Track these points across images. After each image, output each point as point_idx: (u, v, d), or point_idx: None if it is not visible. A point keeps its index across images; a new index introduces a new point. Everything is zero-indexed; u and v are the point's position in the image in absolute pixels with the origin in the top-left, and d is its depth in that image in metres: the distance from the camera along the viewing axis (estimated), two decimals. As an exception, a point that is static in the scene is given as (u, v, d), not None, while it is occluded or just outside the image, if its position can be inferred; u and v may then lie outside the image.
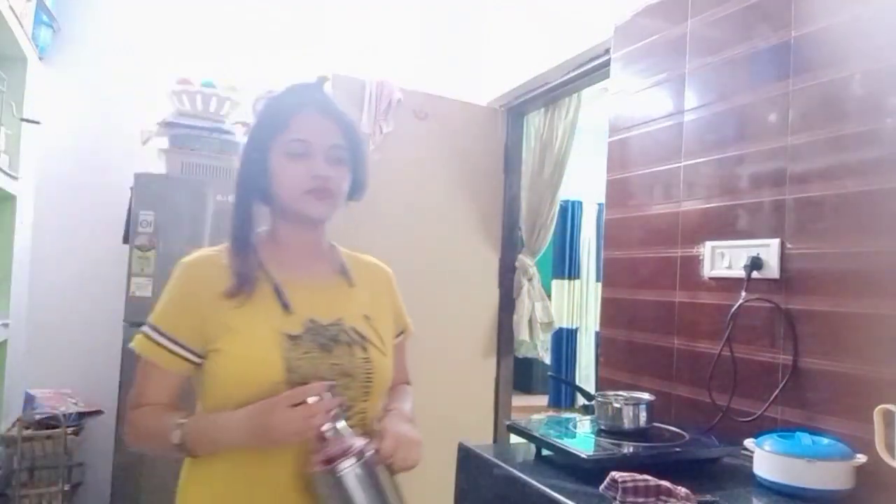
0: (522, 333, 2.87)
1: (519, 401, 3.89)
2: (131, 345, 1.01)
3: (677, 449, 1.22)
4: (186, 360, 1.00)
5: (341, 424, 0.93)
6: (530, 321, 2.88)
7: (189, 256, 1.05)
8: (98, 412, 2.61)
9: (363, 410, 1.03)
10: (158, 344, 1.00)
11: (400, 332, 1.22)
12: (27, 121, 2.44)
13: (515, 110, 2.93)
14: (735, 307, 1.44)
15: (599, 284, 2.28)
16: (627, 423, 1.31)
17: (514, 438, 1.44)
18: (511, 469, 1.22)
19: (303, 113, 1.05)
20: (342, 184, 1.06)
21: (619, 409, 1.32)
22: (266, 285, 1.02)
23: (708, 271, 1.57)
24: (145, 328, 1.02)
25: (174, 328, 1.00)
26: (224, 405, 0.96)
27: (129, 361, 2.38)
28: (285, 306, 1.01)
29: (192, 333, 0.99)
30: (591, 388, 1.77)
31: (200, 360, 1.00)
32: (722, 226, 1.54)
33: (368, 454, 0.91)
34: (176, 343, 0.99)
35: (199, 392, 1.05)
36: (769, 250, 1.40)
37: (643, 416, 1.31)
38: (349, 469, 0.88)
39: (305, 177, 1.02)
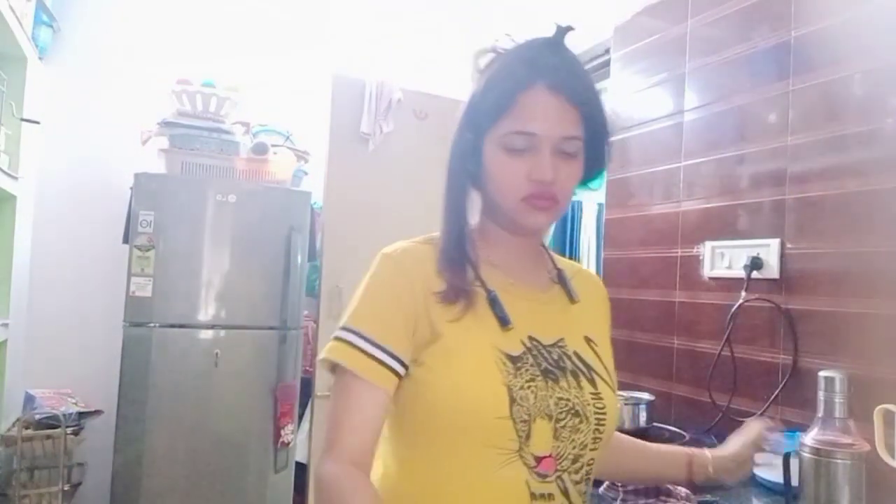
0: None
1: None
2: (323, 356, 0.78)
3: (677, 449, 1.22)
4: (398, 374, 0.77)
5: None
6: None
7: (391, 248, 0.85)
8: (98, 412, 2.61)
9: (591, 462, 0.81)
10: (367, 354, 0.76)
11: None
12: (27, 121, 2.44)
13: (515, 110, 2.92)
14: (735, 307, 1.44)
15: (599, 284, 2.26)
16: (627, 423, 1.31)
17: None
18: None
19: (530, 90, 0.80)
20: (570, 184, 0.83)
21: (619, 409, 1.32)
22: (479, 291, 0.82)
23: (708, 271, 1.57)
24: (344, 333, 0.78)
25: (384, 332, 0.77)
26: (430, 435, 0.78)
27: (130, 361, 2.38)
28: (503, 320, 0.80)
29: (404, 339, 0.78)
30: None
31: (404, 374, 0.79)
32: (722, 226, 1.54)
33: None
34: (387, 352, 0.76)
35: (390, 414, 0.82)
36: (769, 250, 1.40)
37: (643, 416, 1.32)
38: None
39: (523, 180, 0.80)
